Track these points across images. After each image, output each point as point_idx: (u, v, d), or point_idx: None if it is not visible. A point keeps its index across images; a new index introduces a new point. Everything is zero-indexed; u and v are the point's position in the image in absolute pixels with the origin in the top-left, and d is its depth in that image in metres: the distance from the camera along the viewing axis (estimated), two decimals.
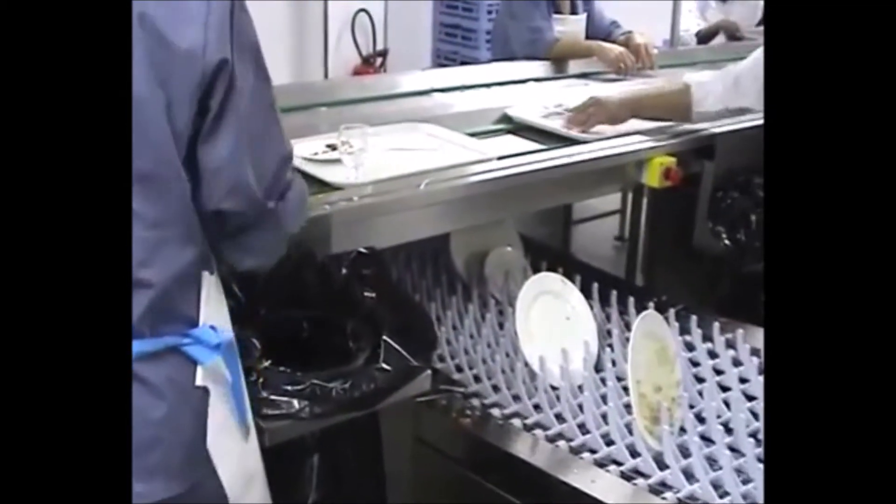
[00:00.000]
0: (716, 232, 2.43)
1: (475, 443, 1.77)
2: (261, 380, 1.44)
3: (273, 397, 1.45)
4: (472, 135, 2.27)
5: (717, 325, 2.06)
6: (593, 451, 1.69)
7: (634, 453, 1.66)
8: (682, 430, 1.72)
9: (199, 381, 1.11)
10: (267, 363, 1.51)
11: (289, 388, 1.47)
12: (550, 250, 2.73)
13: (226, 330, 1.17)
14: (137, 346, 1.05)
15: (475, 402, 1.85)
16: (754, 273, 2.41)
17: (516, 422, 1.79)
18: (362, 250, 1.69)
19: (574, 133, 2.32)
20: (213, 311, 1.16)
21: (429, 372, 1.64)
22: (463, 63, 4.63)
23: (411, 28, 5.16)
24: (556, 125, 2.38)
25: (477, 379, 1.92)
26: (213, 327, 1.13)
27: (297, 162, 1.35)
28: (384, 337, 1.59)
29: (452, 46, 5.07)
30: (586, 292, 2.11)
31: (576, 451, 1.69)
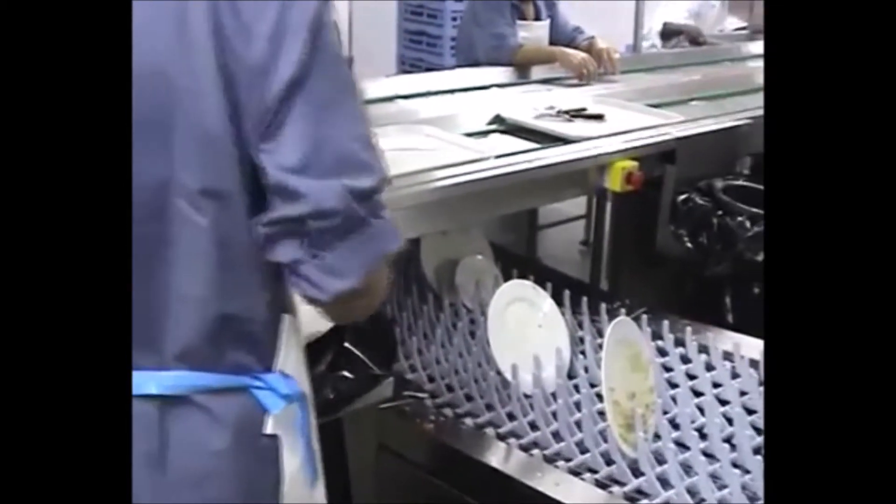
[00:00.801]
0: (678, 235, 2.45)
1: (442, 450, 1.75)
2: None
3: None
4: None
5: (689, 329, 2.06)
6: (568, 460, 1.68)
7: (609, 461, 1.66)
8: (657, 436, 1.71)
9: (268, 430, 1.06)
10: None
11: None
12: (521, 258, 2.72)
13: (299, 381, 1.11)
14: (207, 379, 1.01)
15: (448, 411, 1.84)
16: (717, 276, 2.43)
17: (490, 431, 1.77)
18: None
19: (565, 132, 2.36)
20: (290, 359, 1.10)
21: (391, 379, 1.63)
22: (428, 69, 4.61)
23: (376, 35, 5.12)
24: (549, 125, 2.44)
25: (449, 388, 1.90)
26: (285, 375, 1.08)
27: None
28: (346, 344, 1.57)
29: (417, 53, 5.05)
30: (557, 299, 2.10)
31: (550, 460, 1.68)
